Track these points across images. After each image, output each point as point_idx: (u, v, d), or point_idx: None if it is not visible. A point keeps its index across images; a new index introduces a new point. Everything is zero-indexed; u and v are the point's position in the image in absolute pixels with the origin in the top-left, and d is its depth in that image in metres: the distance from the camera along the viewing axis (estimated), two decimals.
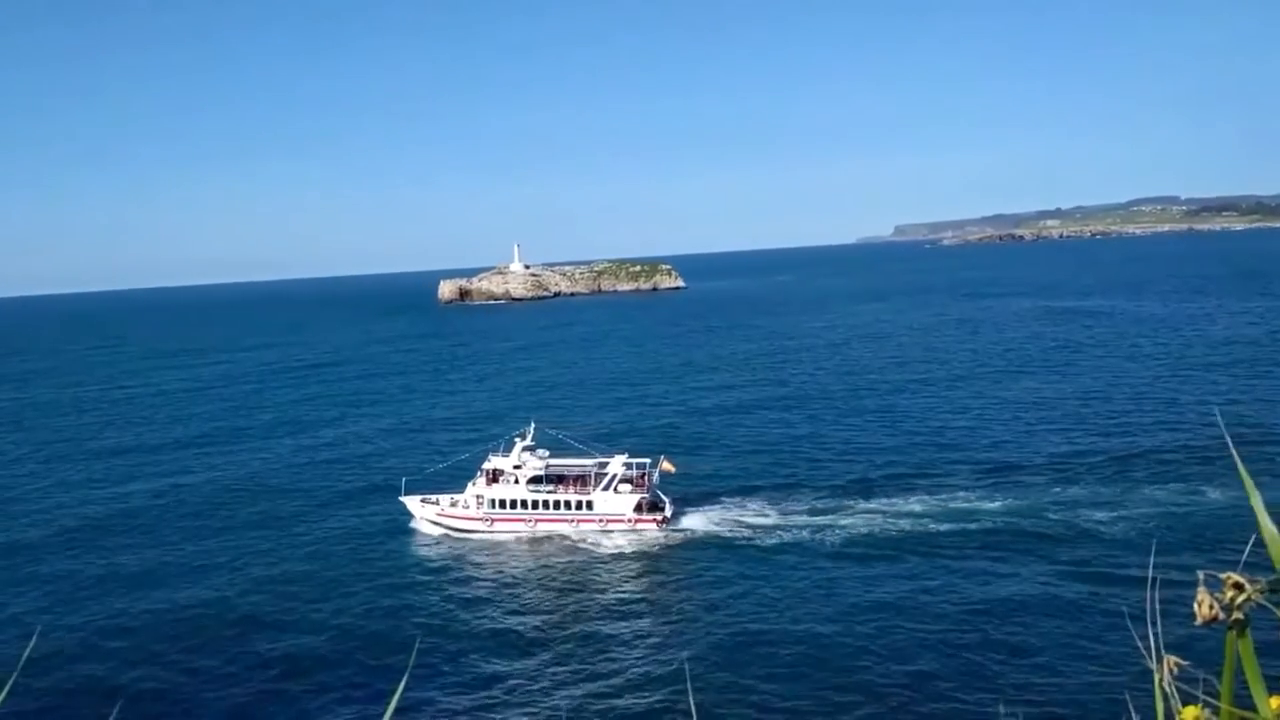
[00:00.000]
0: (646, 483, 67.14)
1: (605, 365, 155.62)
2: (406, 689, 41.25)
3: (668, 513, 65.99)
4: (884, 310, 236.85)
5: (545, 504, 66.65)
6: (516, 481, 67.32)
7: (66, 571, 63.71)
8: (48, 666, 47.50)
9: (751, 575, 56.68)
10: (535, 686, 44.24)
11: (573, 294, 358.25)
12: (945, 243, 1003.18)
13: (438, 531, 67.52)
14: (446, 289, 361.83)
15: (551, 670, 45.74)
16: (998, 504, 66.65)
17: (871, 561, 58.14)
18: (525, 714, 41.59)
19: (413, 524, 68.70)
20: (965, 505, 66.98)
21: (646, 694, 42.64)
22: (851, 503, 69.38)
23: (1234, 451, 3.33)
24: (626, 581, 57.59)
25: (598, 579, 58.18)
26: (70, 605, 57.18)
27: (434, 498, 68.83)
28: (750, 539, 62.89)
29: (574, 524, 66.19)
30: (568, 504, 66.50)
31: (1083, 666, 41.78)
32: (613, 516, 65.77)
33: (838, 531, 63.42)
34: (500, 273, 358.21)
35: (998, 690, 40.31)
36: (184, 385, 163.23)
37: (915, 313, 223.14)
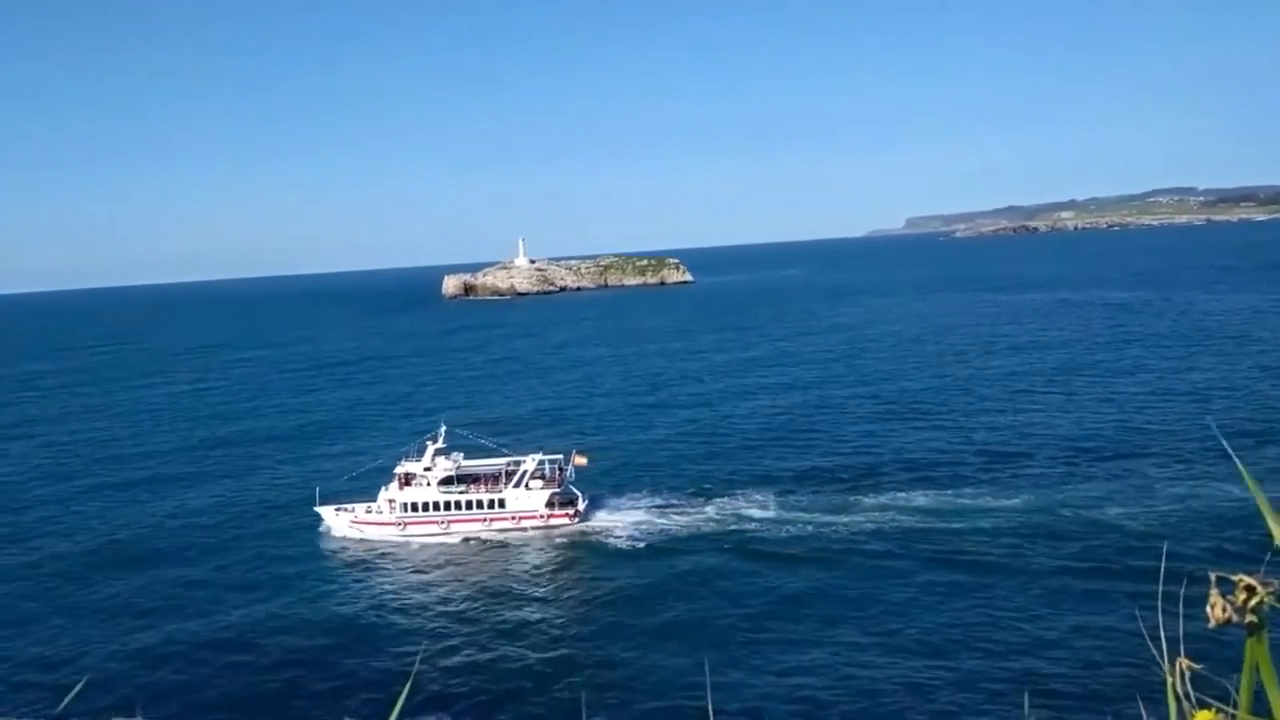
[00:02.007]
0: (559, 478, 67.27)
1: (630, 369, 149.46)
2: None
3: (580, 507, 66.14)
4: (895, 305, 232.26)
5: (457, 505, 66.55)
6: (428, 484, 66.99)
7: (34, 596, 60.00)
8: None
9: (673, 570, 55.68)
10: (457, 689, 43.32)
11: (579, 289, 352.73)
12: (958, 235, 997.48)
13: (354, 539, 66.57)
14: (451, 284, 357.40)
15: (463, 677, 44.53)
16: (1007, 500, 64.76)
17: (848, 559, 56.41)
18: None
19: (332, 533, 67.42)
20: (974, 501, 65.11)
21: (570, 689, 42.31)
22: (847, 497, 67.63)
23: (1233, 453, 3.37)
24: (538, 578, 57.00)
25: (509, 577, 57.58)
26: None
27: (349, 506, 68.19)
28: (678, 534, 61.83)
29: (487, 523, 66.18)
30: (480, 503, 66.49)
31: (1094, 668, 40.46)
32: (525, 513, 65.94)
33: (810, 525, 62.18)
34: (505, 268, 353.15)
35: (1007, 691, 39.35)
36: (192, 389, 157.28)
37: (928, 307, 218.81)
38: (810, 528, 61.58)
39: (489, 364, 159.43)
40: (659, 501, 69.32)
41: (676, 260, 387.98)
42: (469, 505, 66.32)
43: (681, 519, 65.11)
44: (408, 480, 67.29)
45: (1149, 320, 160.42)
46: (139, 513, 76.76)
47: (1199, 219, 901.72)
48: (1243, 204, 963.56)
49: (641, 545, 60.78)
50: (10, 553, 67.55)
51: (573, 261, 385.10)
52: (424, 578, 58.66)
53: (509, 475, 67.04)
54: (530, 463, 67.27)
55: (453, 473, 67.27)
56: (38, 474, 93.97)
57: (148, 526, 72.86)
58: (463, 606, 53.22)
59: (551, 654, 46.18)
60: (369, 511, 67.10)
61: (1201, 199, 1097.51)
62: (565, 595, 54.05)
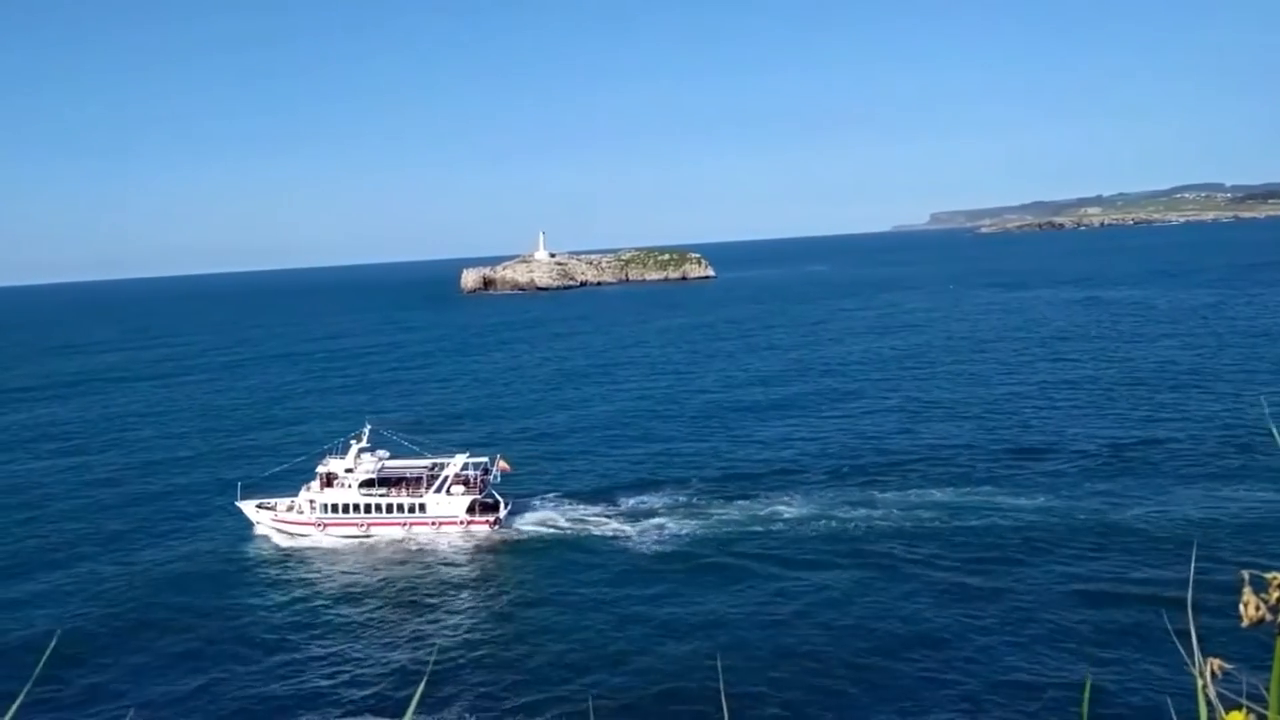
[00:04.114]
0: (482, 483, 66.37)
1: (652, 368, 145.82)
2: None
3: (502, 513, 65.18)
4: (922, 301, 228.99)
5: (377, 507, 65.52)
6: (348, 485, 65.94)
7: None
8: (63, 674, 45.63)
9: (602, 580, 54.23)
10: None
11: (599, 283, 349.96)
12: (983, 231, 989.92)
13: (274, 537, 65.68)
14: (470, 278, 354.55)
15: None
16: (1026, 500, 63.34)
17: (863, 558, 55.14)
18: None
19: (254, 530, 66.65)
20: (996, 499, 63.85)
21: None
22: (863, 493, 66.84)
23: None
24: (452, 586, 55.87)
25: (423, 583, 56.57)
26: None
27: (271, 502, 67.34)
28: (610, 539, 60.82)
29: (406, 527, 65.16)
30: (400, 507, 65.54)
31: (1121, 671, 39.33)
32: (445, 519, 65.10)
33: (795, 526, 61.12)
34: (525, 261, 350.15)
35: (1028, 692, 38.37)
36: (229, 391, 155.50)
37: (957, 304, 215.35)
38: (828, 525, 60.52)
39: (508, 360, 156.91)
40: (586, 504, 68.66)
41: (698, 255, 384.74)
42: (389, 509, 65.40)
43: (697, 521, 63.06)
44: (329, 480, 66.44)
45: (1180, 317, 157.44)
46: (86, 508, 76.35)
47: (1226, 215, 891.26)
48: (1271, 200, 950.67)
49: (585, 544, 60.27)
50: None
51: (593, 255, 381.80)
52: (336, 580, 57.60)
53: (430, 479, 66.02)
54: (455, 465, 66.35)
55: (374, 475, 66.27)
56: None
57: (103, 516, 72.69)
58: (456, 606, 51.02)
59: (527, 658, 44.93)
60: (290, 509, 66.23)
61: (1229, 195, 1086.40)
62: (500, 597, 53.38)
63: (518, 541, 62.22)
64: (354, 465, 66.56)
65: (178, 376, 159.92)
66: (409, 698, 41.50)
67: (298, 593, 55.52)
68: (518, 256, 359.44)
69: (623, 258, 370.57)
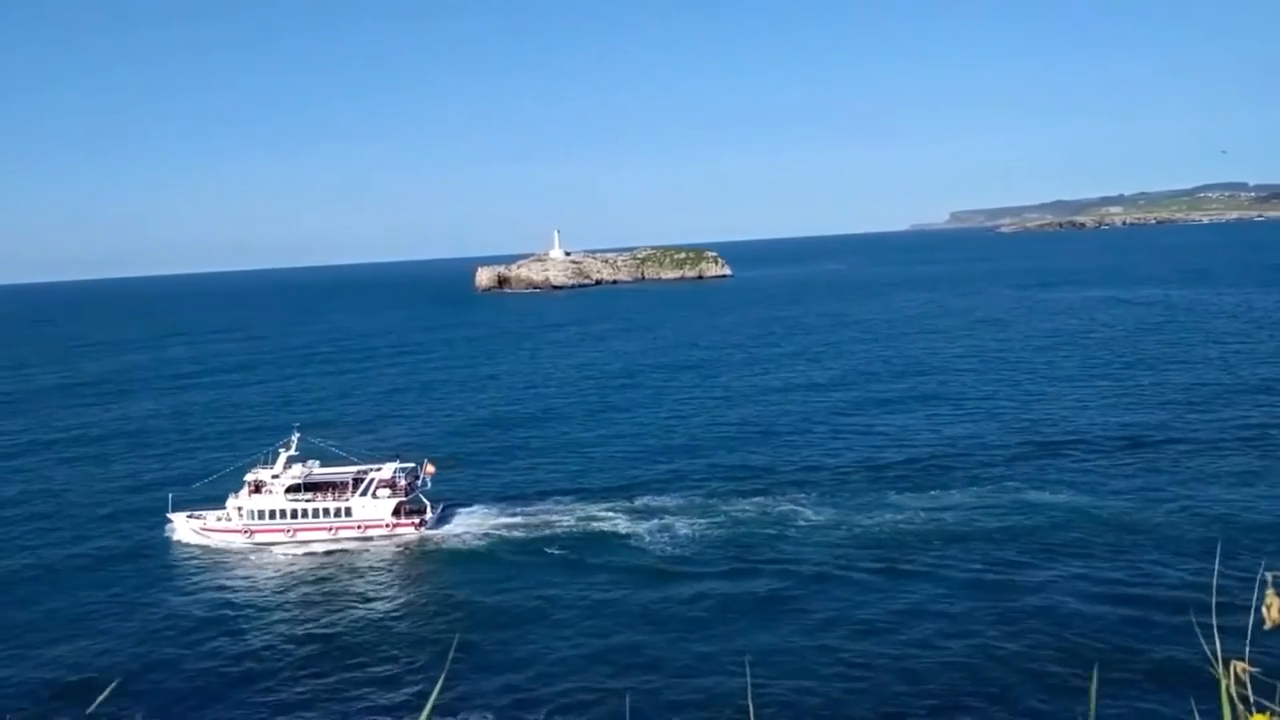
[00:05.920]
0: (409, 486, 66.98)
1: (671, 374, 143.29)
2: None
3: (428, 516, 65.96)
4: (941, 300, 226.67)
5: (304, 513, 66.11)
6: (274, 492, 66.52)
7: None
8: None
9: (533, 582, 54.44)
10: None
11: (615, 281, 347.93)
12: (1003, 230, 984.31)
13: (200, 546, 65.39)
14: (484, 276, 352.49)
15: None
16: (1048, 497, 62.54)
17: (881, 560, 54.04)
18: None
19: (179, 539, 66.28)
20: (1017, 498, 62.95)
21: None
22: (878, 494, 65.39)
23: None
24: (374, 588, 56.16)
25: (347, 586, 56.68)
26: None
27: (200, 512, 67.52)
28: (539, 540, 61.02)
29: (333, 531, 65.63)
30: (326, 511, 66.07)
31: (1144, 670, 38.91)
32: (371, 522, 65.56)
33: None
34: (540, 260, 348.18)
35: (1054, 699, 37.66)
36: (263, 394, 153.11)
37: (975, 303, 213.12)
38: (849, 527, 59.52)
39: (526, 362, 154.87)
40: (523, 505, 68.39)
41: (715, 253, 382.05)
42: (315, 513, 65.96)
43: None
44: (258, 488, 66.71)
45: (1208, 316, 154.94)
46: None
47: (1251, 214, 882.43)
48: None
49: (490, 545, 60.85)
50: None
51: (609, 254, 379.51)
52: (273, 587, 57.39)
53: (356, 483, 66.70)
54: (386, 470, 67.04)
55: (300, 480, 66.67)
56: None
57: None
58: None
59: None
60: (219, 519, 66.50)
61: (1253, 194, 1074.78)
62: (391, 606, 52.86)
63: (444, 545, 62.36)
64: (280, 472, 67.01)
65: (195, 377, 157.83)
66: (402, 695, 40.80)
67: (227, 598, 55.56)
68: (533, 255, 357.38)
69: (639, 256, 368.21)
